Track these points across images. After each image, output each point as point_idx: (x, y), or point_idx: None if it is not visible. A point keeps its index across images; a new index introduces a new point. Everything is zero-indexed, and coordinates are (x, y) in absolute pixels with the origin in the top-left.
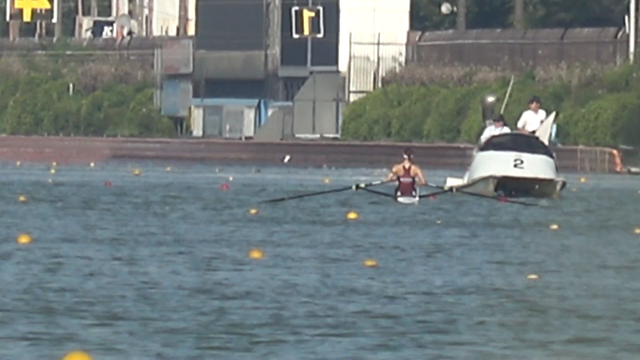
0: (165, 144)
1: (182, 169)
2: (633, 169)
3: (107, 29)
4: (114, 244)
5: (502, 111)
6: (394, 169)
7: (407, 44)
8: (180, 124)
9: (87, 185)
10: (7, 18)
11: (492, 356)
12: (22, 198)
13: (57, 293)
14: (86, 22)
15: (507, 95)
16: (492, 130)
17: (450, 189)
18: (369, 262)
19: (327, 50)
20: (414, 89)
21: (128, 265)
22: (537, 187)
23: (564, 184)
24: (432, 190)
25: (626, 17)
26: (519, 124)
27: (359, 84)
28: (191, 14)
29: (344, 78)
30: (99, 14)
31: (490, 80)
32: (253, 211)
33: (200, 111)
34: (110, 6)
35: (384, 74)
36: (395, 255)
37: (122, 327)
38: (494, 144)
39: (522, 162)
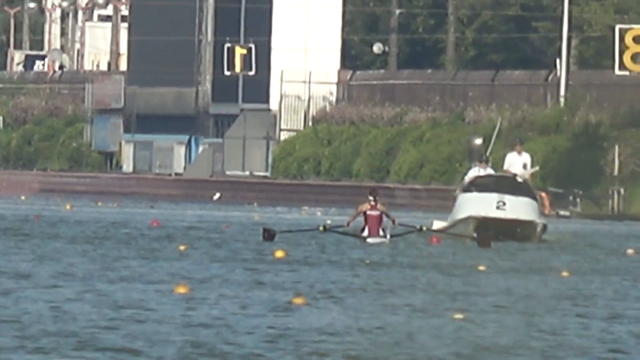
0: (95, 179)
1: (115, 204)
2: (562, 212)
3: (38, 63)
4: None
5: (488, 153)
6: (359, 208)
7: (338, 83)
8: (110, 159)
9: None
10: None
11: None
12: None
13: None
14: (18, 56)
15: (494, 137)
16: (476, 172)
17: (421, 228)
18: (297, 299)
19: (259, 88)
20: (345, 128)
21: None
22: (518, 229)
23: (544, 227)
24: (402, 230)
25: (557, 60)
26: (505, 166)
27: (290, 122)
28: (123, 48)
29: (275, 116)
30: (30, 48)
31: (420, 120)
32: (182, 247)
33: (131, 146)
34: (42, 40)
35: (314, 113)
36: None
37: None
38: (478, 185)
39: (504, 203)
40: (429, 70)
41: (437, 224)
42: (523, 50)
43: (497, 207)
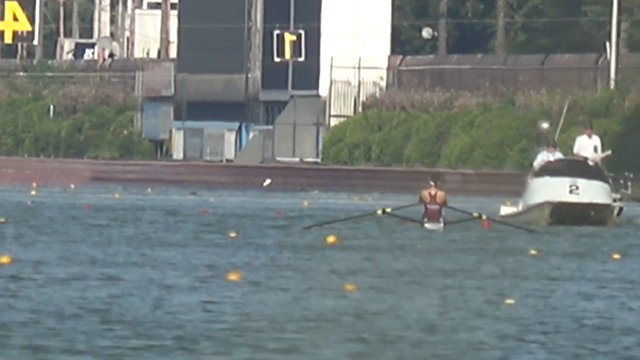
0: (146, 167)
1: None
2: (613, 196)
3: (88, 51)
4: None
5: (556, 137)
6: (420, 193)
7: (388, 69)
8: (160, 147)
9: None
10: None
11: None
12: (1, 219)
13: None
14: (67, 44)
15: (562, 120)
16: (545, 156)
17: (480, 215)
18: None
19: (308, 74)
20: (395, 114)
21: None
22: (592, 213)
23: (620, 210)
24: (460, 217)
25: (607, 43)
26: (575, 150)
27: (340, 108)
28: (173, 36)
29: (325, 102)
30: (80, 36)
31: (471, 105)
32: (232, 234)
33: (181, 134)
34: (91, 28)
35: (364, 99)
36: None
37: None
38: (549, 169)
39: (577, 187)
40: (479, 55)
41: (505, 210)
42: (573, 34)
43: (570, 192)
